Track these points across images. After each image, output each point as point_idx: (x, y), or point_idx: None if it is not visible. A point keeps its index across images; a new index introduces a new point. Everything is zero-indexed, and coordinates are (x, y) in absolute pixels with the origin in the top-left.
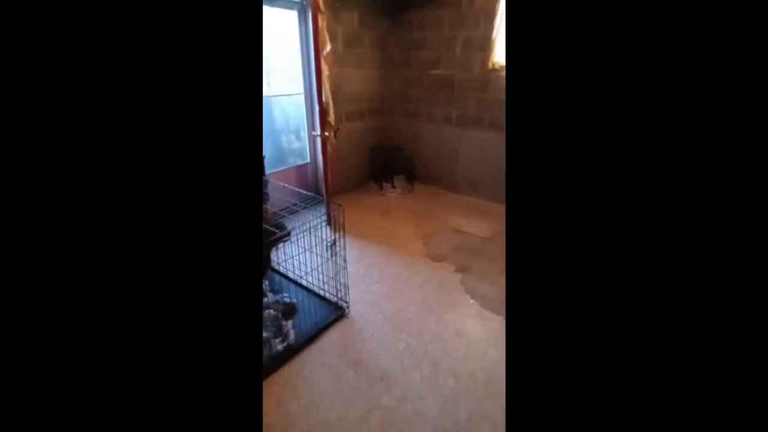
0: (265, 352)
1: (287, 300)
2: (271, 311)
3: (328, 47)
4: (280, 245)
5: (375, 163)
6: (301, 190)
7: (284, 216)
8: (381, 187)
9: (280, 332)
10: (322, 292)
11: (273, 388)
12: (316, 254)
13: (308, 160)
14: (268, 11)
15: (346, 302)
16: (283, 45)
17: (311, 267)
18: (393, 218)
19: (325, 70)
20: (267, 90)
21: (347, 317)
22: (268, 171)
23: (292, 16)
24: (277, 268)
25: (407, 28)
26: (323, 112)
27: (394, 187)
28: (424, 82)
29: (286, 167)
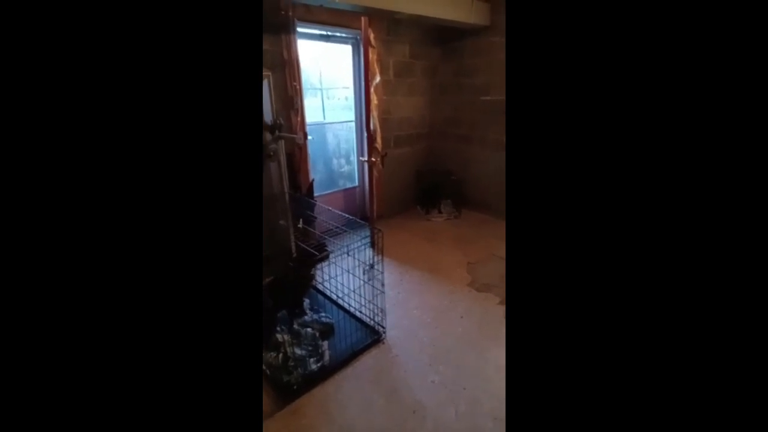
0: (300, 370)
1: (325, 320)
2: (309, 330)
3: (378, 79)
4: (321, 265)
5: (422, 187)
6: (345, 214)
7: (328, 238)
8: (427, 212)
9: (316, 352)
10: (360, 315)
11: (306, 409)
12: (358, 277)
13: (356, 184)
14: (325, 46)
15: (383, 327)
16: (339, 77)
17: (351, 289)
18: (438, 244)
19: (374, 100)
20: (323, 118)
21: (383, 342)
22: (318, 193)
23: (347, 50)
24: (319, 287)
25: (459, 55)
26: (371, 139)
27: (440, 212)
28: (475, 107)
29: (335, 189)
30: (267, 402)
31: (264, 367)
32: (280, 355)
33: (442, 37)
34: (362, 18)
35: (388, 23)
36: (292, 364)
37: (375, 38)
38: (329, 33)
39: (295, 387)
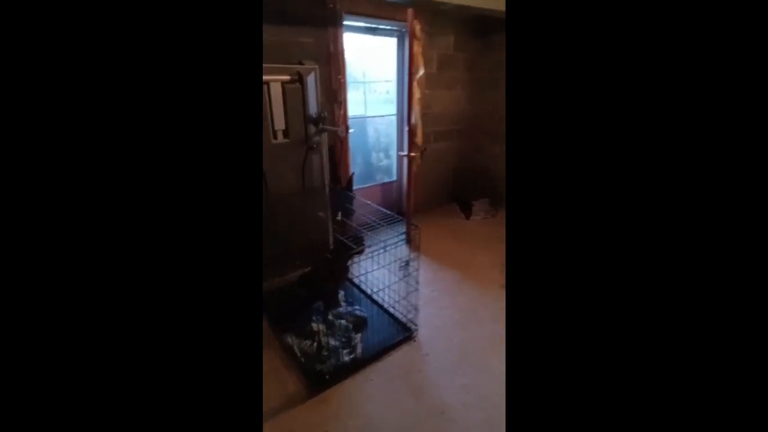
0: (333, 360)
1: (359, 313)
2: (343, 321)
3: (422, 71)
4: (358, 259)
5: (459, 184)
6: (382, 209)
7: (365, 232)
8: (463, 210)
9: (348, 344)
10: (392, 311)
11: (334, 399)
12: (392, 272)
13: (394, 178)
14: (371, 39)
15: (415, 324)
16: (382, 70)
17: (385, 284)
18: (473, 243)
19: (417, 94)
20: (364, 111)
21: (414, 340)
22: (356, 186)
23: (391, 43)
24: (354, 280)
25: (499, 48)
26: (411, 134)
27: (471, 211)
28: None
29: (373, 183)
30: (298, 388)
31: (298, 355)
32: (315, 344)
33: (484, 29)
34: (408, 10)
35: (432, 15)
36: (326, 353)
37: (420, 30)
38: (374, 26)
39: (327, 376)
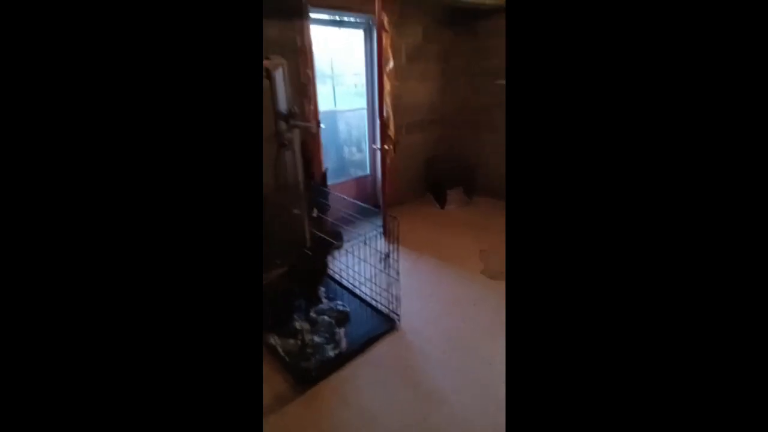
0: (318, 357)
1: (341, 308)
2: (326, 317)
3: (391, 64)
4: (336, 254)
5: (433, 174)
6: (358, 202)
7: (342, 226)
8: (438, 199)
9: (332, 339)
10: (374, 303)
11: (323, 394)
12: (371, 265)
13: (368, 172)
14: (337, 32)
15: (398, 315)
16: (350, 63)
17: (366, 277)
18: (450, 231)
19: (387, 86)
20: (334, 105)
21: (398, 330)
22: (330, 182)
23: (358, 35)
24: (334, 276)
25: (472, 37)
26: (384, 126)
27: (446, 200)
28: (487, 91)
29: (347, 178)
30: (286, 388)
31: (282, 354)
32: (298, 342)
33: (454, 18)
34: (375, 0)
35: (401, 5)
36: (310, 351)
37: (388, 22)
38: (341, 18)
39: (313, 373)
